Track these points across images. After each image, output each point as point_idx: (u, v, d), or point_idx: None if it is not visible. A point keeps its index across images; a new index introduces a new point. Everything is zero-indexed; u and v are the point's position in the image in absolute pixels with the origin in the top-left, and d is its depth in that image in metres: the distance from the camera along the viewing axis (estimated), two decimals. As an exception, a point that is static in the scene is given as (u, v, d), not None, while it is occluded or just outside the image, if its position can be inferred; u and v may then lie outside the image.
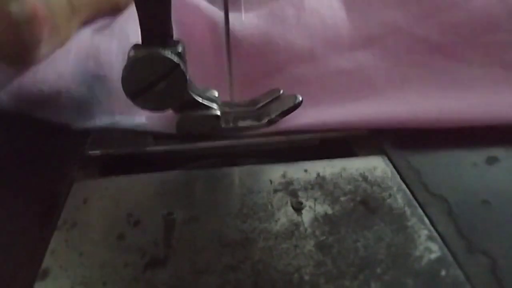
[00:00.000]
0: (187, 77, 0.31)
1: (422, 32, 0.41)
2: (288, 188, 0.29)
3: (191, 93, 0.33)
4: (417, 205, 0.27)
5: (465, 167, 0.31)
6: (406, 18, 0.42)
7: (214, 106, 0.34)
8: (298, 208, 0.27)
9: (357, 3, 0.43)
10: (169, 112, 0.33)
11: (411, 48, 0.41)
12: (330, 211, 0.27)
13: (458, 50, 0.40)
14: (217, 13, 0.41)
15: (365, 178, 0.30)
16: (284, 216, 0.27)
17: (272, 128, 0.34)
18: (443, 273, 0.23)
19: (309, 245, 0.25)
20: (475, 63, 0.40)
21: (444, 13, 0.42)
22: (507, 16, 0.41)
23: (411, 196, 0.28)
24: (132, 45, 0.31)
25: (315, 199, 0.28)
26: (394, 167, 0.31)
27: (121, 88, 0.31)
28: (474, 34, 0.41)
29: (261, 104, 0.36)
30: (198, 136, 0.34)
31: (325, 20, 0.41)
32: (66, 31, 0.39)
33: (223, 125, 0.34)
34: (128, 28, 0.40)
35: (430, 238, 0.25)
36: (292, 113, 0.34)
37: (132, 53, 0.30)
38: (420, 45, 0.41)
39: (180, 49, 0.31)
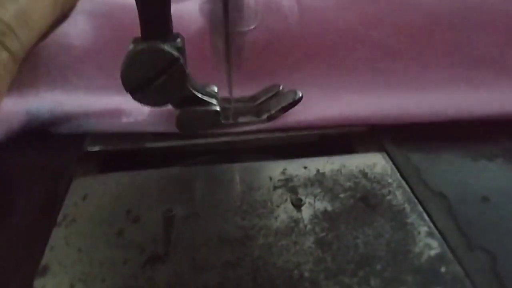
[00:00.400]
0: (187, 72, 0.31)
1: (378, 36, 0.40)
2: (288, 184, 0.29)
3: (191, 88, 0.32)
4: (416, 201, 0.27)
5: (465, 164, 0.31)
6: (361, 22, 0.40)
7: (214, 101, 0.33)
8: (297, 204, 0.27)
9: (312, 6, 0.41)
10: (169, 108, 0.33)
11: (367, 54, 0.40)
12: (329, 208, 0.27)
13: (415, 52, 0.39)
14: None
15: (364, 175, 0.29)
16: (284, 212, 0.27)
17: (272, 124, 0.34)
18: (442, 269, 0.23)
19: (309, 241, 0.25)
20: (434, 65, 0.39)
21: (398, 15, 0.40)
22: (463, 15, 0.39)
23: (410, 193, 0.28)
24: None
25: (315, 196, 0.28)
26: (394, 164, 0.31)
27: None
28: (430, 34, 0.39)
29: (260, 100, 0.36)
30: (198, 132, 0.34)
31: (278, 35, 0.40)
32: (7, 85, 0.34)
33: (222, 121, 0.34)
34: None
35: (429, 234, 0.25)
36: (292, 110, 0.34)
37: (131, 47, 0.30)
38: (376, 51, 0.40)
39: (179, 43, 0.31)
